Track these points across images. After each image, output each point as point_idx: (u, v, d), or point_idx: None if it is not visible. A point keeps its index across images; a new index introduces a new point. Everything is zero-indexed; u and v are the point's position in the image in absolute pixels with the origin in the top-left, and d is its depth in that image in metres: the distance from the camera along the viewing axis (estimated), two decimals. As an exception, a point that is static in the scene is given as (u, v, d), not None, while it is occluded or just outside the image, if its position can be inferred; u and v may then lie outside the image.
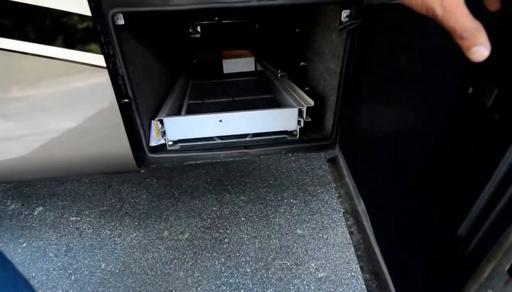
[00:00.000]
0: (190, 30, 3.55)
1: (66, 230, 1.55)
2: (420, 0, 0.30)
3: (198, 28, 3.50)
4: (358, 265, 1.27)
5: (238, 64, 2.55)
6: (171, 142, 1.37)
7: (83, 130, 1.10)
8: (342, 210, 1.10)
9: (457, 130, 0.47)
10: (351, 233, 1.01)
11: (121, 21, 1.03)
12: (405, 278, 0.66)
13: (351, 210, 1.08)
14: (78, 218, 1.63)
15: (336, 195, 1.25)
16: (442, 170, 0.51)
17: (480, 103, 0.38)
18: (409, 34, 0.69)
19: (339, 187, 1.23)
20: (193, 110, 1.62)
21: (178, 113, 1.59)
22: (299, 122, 1.32)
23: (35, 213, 1.69)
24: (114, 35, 1.00)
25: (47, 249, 1.44)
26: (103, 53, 0.99)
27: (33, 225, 1.60)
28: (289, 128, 1.33)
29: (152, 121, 1.35)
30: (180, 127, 1.30)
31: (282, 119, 1.30)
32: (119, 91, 1.08)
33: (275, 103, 1.63)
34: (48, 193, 1.86)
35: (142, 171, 2.03)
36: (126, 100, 1.11)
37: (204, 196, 1.78)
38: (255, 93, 1.83)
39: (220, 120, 1.28)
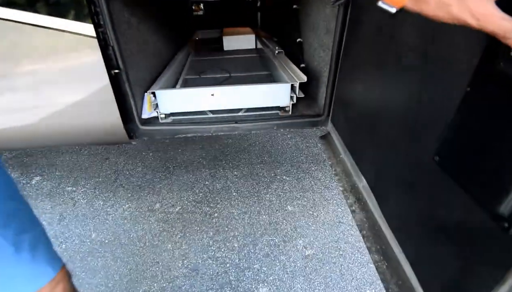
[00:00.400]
0: (193, 7, 3.37)
1: (61, 199, 1.52)
2: (448, 16, 0.30)
3: (201, 6, 3.33)
4: (353, 244, 1.23)
5: (239, 42, 2.45)
6: (163, 115, 1.31)
7: (75, 100, 1.06)
8: (340, 188, 1.04)
9: (484, 100, 0.41)
10: (353, 211, 0.95)
11: (112, -9, 0.97)
12: (426, 259, 0.60)
13: (350, 187, 1.01)
14: (74, 188, 1.59)
15: (333, 172, 1.20)
16: (467, 136, 0.45)
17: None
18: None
19: (335, 164, 1.18)
20: (188, 84, 1.60)
21: (173, 87, 1.51)
22: (291, 98, 1.25)
23: (33, 182, 1.66)
24: (104, 5, 0.96)
25: (41, 218, 1.42)
26: (93, 23, 0.95)
27: (30, 193, 1.58)
28: (281, 104, 1.27)
29: (145, 93, 1.28)
30: (172, 100, 1.26)
31: (274, 94, 1.25)
32: (109, 62, 1.04)
33: (271, 80, 1.57)
34: (47, 163, 1.82)
35: (134, 143, 2.02)
36: (116, 71, 1.07)
37: (198, 170, 1.73)
38: (252, 70, 1.78)
39: (212, 94, 1.22)
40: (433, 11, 0.31)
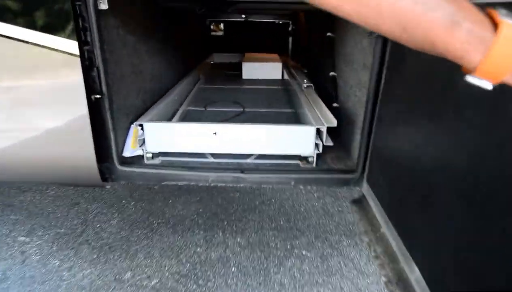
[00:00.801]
0: (212, 26, 3.68)
1: (9, 252, 1.54)
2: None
3: (221, 26, 3.63)
4: None
5: (262, 70, 2.59)
6: (149, 155, 1.34)
7: (44, 127, 1.13)
8: (382, 278, 0.97)
9: None
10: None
11: (104, 6, 1.09)
12: None
13: (397, 278, 0.97)
14: (28, 239, 1.62)
15: (371, 253, 1.15)
16: None
17: None
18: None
19: (374, 241, 1.14)
20: (189, 118, 1.65)
21: (168, 120, 1.56)
22: (316, 146, 1.25)
23: (-19, 226, 1.69)
24: (94, 20, 1.05)
25: (-19, 274, 1.40)
26: (78, 39, 1.04)
27: (-25, 240, 1.59)
28: (303, 153, 1.26)
29: (132, 125, 1.33)
30: (163, 137, 1.30)
31: (294, 139, 1.27)
32: (91, 85, 1.11)
33: (295, 120, 1.63)
34: (3, 203, 1.87)
35: (108, 187, 2.06)
36: (98, 96, 1.14)
37: (190, 231, 1.73)
38: (273, 106, 1.87)
39: (215, 133, 1.25)
40: None
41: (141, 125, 1.26)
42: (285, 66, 2.55)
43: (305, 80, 1.90)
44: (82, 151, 1.14)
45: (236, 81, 2.45)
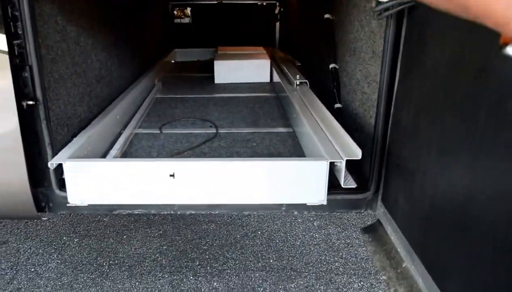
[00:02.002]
0: (175, 12, 3.67)
1: None
2: None
3: (188, 11, 3.61)
4: None
5: (243, 71, 2.50)
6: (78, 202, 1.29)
7: None
8: None
9: None
10: None
11: (39, -11, 1.11)
12: None
13: None
14: None
15: None
16: None
17: None
18: None
19: (394, 280, 1.19)
20: (136, 147, 1.54)
21: (105, 151, 1.50)
22: (330, 188, 1.19)
23: None
24: (26, 7, 1.05)
25: None
26: (6, 31, 1.05)
27: None
28: (309, 201, 1.19)
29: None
30: (93, 182, 1.18)
31: (295, 180, 1.16)
32: (22, 89, 1.14)
33: (293, 145, 1.52)
34: None
35: (45, 218, 2.05)
36: (31, 102, 1.16)
37: (151, 274, 1.69)
38: (260, 123, 1.76)
39: (172, 174, 1.11)
40: None
41: (59, 164, 1.19)
42: (273, 61, 2.53)
43: (298, 76, 1.90)
44: (11, 174, 1.16)
45: (206, 88, 2.36)
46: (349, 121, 1.42)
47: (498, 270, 0.73)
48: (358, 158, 1.11)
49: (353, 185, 1.19)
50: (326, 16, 1.72)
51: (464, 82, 0.81)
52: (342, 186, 1.14)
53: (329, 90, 1.63)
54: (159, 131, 1.60)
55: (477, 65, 0.74)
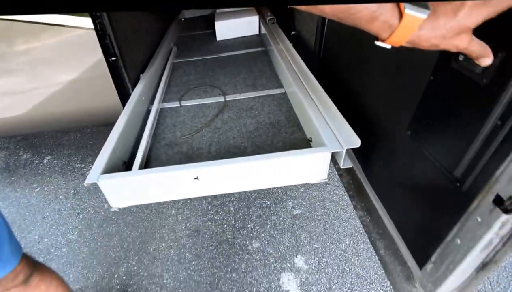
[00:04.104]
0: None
1: (73, 175, 2.37)
2: (435, 46, 0.54)
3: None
4: (338, 203, 1.85)
5: (237, 27, 2.67)
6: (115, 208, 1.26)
7: (79, 87, 1.70)
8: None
9: (444, 91, 0.77)
10: (340, 175, 1.53)
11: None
12: (402, 212, 0.99)
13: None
14: (83, 165, 2.44)
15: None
16: (432, 125, 0.82)
17: (470, 69, 0.67)
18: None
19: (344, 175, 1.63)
20: (163, 127, 1.56)
21: (138, 137, 1.49)
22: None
23: (45, 162, 2.54)
24: None
25: (58, 192, 2.26)
26: (90, 15, 1.51)
27: (44, 172, 2.45)
28: (312, 180, 1.21)
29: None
30: (129, 191, 1.16)
31: (302, 168, 1.17)
32: (107, 50, 1.60)
33: (287, 107, 1.62)
34: (55, 143, 2.72)
35: None
36: (114, 58, 1.64)
37: None
38: (259, 85, 1.85)
39: (196, 178, 1.12)
40: (426, 48, 0.55)
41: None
42: (260, 15, 2.65)
43: (269, 14, 2.31)
44: (111, 99, 1.69)
45: (211, 47, 2.52)
46: (300, 44, 1.84)
47: (376, 128, 1.14)
48: (357, 146, 1.10)
49: (349, 165, 1.21)
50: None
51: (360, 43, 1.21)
52: (341, 167, 1.18)
53: (288, 24, 2.07)
54: (179, 105, 1.73)
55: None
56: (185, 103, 1.73)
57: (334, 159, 1.21)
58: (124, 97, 1.71)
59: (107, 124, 1.87)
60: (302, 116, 1.47)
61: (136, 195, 1.15)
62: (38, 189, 2.35)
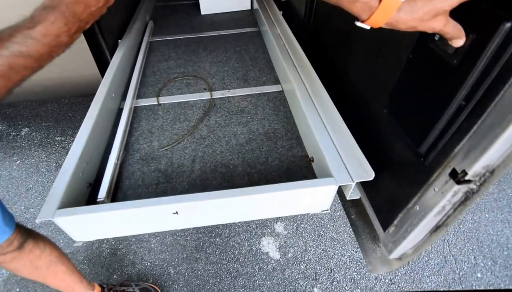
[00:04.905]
0: None
1: (54, 149, 2.38)
2: (412, 28, 0.55)
3: None
4: None
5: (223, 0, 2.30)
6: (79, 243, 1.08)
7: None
8: None
9: (420, 70, 0.81)
10: None
11: None
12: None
13: None
14: (63, 138, 2.45)
15: None
16: (406, 104, 0.88)
17: (443, 49, 0.69)
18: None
19: None
20: (136, 133, 1.32)
21: (108, 146, 1.26)
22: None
23: (22, 134, 2.53)
24: None
25: (39, 166, 2.29)
26: None
27: (23, 144, 2.45)
28: (314, 211, 1.08)
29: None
30: (94, 227, 0.99)
31: (300, 201, 1.01)
32: None
33: (286, 111, 1.41)
34: (31, 114, 2.69)
35: None
36: None
37: None
38: (251, 75, 1.63)
39: (176, 212, 0.95)
40: (403, 29, 0.56)
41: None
42: None
43: None
44: (87, 67, 1.61)
45: (194, 23, 2.18)
46: (290, 12, 1.82)
47: (356, 105, 1.20)
48: (371, 179, 0.95)
49: (357, 196, 1.02)
50: None
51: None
52: (347, 198, 1.01)
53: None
54: (156, 102, 1.47)
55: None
56: (164, 100, 1.48)
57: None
58: (102, 65, 1.61)
59: (86, 95, 1.76)
60: (302, 128, 1.26)
61: (104, 229, 0.99)
62: (18, 162, 2.34)
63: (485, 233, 1.88)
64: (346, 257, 1.77)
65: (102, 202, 1.00)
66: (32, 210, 2.00)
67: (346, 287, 1.66)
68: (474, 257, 1.78)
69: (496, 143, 0.58)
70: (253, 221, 1.84)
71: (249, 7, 2.30)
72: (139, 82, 1.61)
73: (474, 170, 0.65)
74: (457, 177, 0.70)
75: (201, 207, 0.93)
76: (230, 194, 0.91)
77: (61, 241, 1.83)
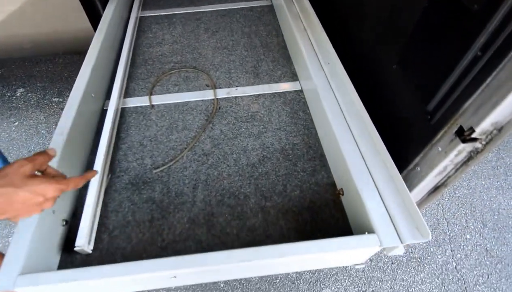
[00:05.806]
0: None
1: (52, 110, 2.35)
2: None
3: None
4: None
5: None
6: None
7: (41, 7, 1.49)
8: None
9: (435, 19, 0.77)
10: None
11: None
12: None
13: None
14: (60, 99, 2.41)
15: None
16: (417, 58, 0.85)
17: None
18: None
19: None
20: (124, 146, 1.08)
21: (89, 164, 1.03)
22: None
23: (18, 94, 2.49)
24: None
25: (39, 127, 2.27)
26: None
27: (19, 105, 2.41)
28: (348, 264, 0.92)
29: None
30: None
31: (333, 258, 0.85)
32: None
33: (307, 119, 1.17)
34: (25, 74, 2.65)
35: None
36: None
37: None
38: (259, 71, 1.34)
39: (174, 276, 0.77)
40: None
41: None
42: None
43: None
44: (79, 21, 1.51)
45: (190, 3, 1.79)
46: None
47: (366, 61, 1.18)
48: (425, 241, 0.78)
49: (400, 252, 0.78)
50: None
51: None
52: (388, 255, 0.88)
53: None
54: (148, 103, 1.21)
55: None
56: (158, 100, 1.22)
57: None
58: (94, 19, 1.47)
59: (80, 53, 1.48)
60: (328, 146, 1.02)
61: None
62: (16, 123, 2.31)
63: (479, 198, 1.91)
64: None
65: (82, 251, 0.80)
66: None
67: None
68: (466, 220, 1.82)
69: (509, 97, 0.56)
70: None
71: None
72: (127, 74, 1.33)
73: (482, 127, 0.63)
74: (463, 135, 0.68)
75: (208, 270, 0.74)
76: (244, 257, 0.70)
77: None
